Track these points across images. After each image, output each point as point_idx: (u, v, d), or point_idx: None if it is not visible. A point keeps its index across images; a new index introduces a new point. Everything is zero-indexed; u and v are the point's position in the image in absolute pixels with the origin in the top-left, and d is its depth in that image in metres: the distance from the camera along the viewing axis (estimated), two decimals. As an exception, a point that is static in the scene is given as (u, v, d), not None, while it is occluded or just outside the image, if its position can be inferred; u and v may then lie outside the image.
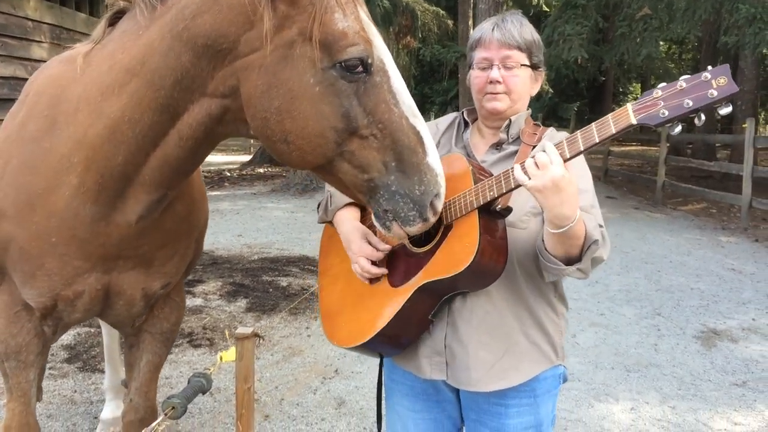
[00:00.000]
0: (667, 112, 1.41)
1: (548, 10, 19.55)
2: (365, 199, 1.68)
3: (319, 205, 2.12)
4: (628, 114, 1.44)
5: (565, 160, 1.54)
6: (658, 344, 5.26)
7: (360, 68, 1.54)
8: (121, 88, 1.67)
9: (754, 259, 8.27)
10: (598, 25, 13.83)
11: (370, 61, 1.55)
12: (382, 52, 1.60)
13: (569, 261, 1.68)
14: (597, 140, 1.49)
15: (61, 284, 1.96)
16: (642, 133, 20.33)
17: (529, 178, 1.54)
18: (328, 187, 2.06)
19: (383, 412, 2.15)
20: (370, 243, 1.90)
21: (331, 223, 2.07)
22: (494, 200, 1.68)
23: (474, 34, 2.02)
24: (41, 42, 7.48)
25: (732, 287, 6.95)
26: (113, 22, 1.78)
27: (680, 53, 27.71)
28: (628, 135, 18.20)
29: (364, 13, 1.62)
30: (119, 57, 1.69)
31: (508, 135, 1.96)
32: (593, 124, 1.51)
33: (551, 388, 1.95)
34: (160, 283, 2.14)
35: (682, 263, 7.97)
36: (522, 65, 1.92)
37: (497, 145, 1.97)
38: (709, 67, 1.43)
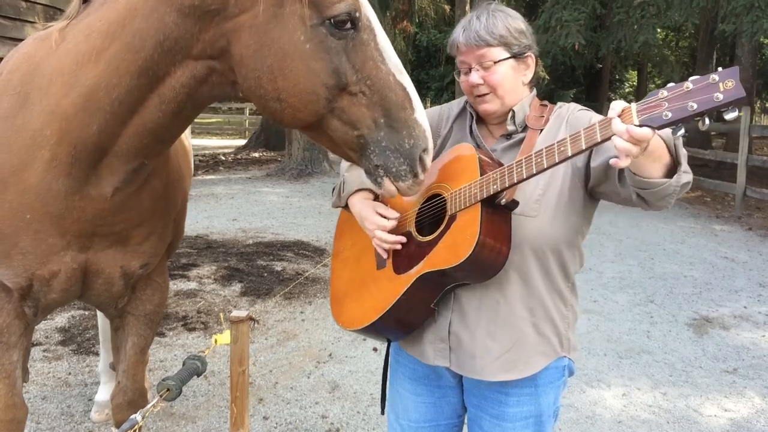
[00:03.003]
0: (670, 114, 1.35)
1: (546, -5, 19.45)
2: (356, 156, 1.69)
3: (333, 190, 2.13)
4: (632, 114, 1.40)
5: (574, 155, 1.54)
6: (650, 331, 5.29)
7: (348, 24, 1.57)
8: (98, 54, 1.66)
9: (747, 248, 8.32)
10: (596, 11, 13.75)
11: (357, 15, 1.58)
12: (368, 10, 1.63)
13: (669, 173, 1.57)
14: (599, 139, 1.47)
15: (36, 263, 1.94)
16: (638, 120, 20.28)
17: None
18: (342, 172, 2.08)
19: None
20: (380, 214, 1.91)
21: (345, 207, 2.09)
22: (498, 193, 1.68)
23: (450, 40, 1.99)
24: (35, 22, 7.41)
25: (725, 275, 6.99)
26: None
27: (677, 40, 27.62)
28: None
29: None
30: (97, 25, 1.67)
31: (515, 125, 1.93)
32: (597, 122, 1.48)
33: (554, 379, 1.93)
34: (138, 262, 2.13)
35: (675, 251, 8.00)
36: (499, 61, 1.87)
37: (507, 135, 1.96)
38: (719, 69, 1.38)
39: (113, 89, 1.67)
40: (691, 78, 1.38)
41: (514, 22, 1.91)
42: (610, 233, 8.54)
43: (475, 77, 1.88)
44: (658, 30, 16.61)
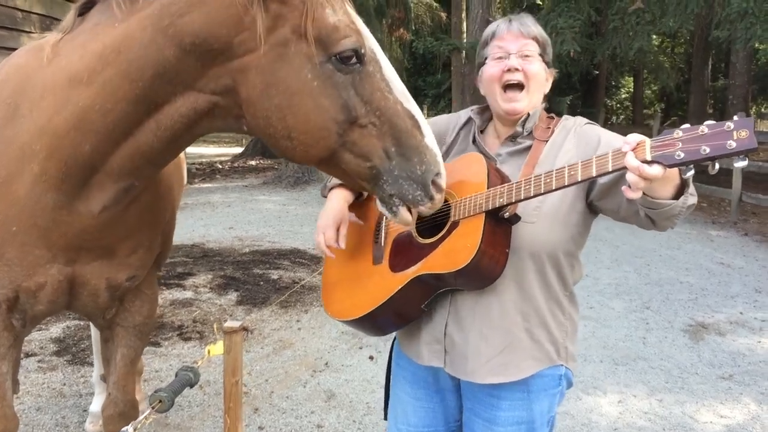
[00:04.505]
0: (683, 155, 1.38)
1: (541, 3, 19.53)
2: (369, 186, 1.71)
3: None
4: (645, 149, 1.42)
5: (583, 181, 1.57)
6: (646, 337, 5.29)
7: (354, 59, 1.59)
8: (92, 76, 1.65)
9: (743, 253, 8.33)
10: (591, 18, 13.82)
11: (363, 51, 1.60)
12: (371, 42, 1.65)
13: (677, 194, 1.60)
14: (610, 168, 1.50)
15: (22, 275, 1.94)
16: (634, 126, 20.38)
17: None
18: None
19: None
20: (338, 231, 1.97)
21: None
22: (503, 207, 1.71)
23: (487, 30, 2.03)
24: (31, 32, 7.43)
25: (720, 281, 7.00)
26: (83, 12, 1.75)
27: (673, 47, 27.73)
28: (620, 130, 18.25)
29: (350, 7, 1.66)
30: (91, 46, 1.66)
31: (523, 128, 1.96)
32: (610, 152, 1.51)
33: (548, 387, 1.92)
34: (124, 274, 2.12)
35: (671, 257, 8.01)
36: (539, 55, 1.94)
37: (512, 138, 1.98)
38: (735, 117, 1.40)
39: (108, 113, 1.66)
40: (706, 122, 1.40)
41: (546, 35, 2.00)
42: (607, 239, 8.56)
43: (515, 61, 1.91)
44: (654, 36, 16.69)
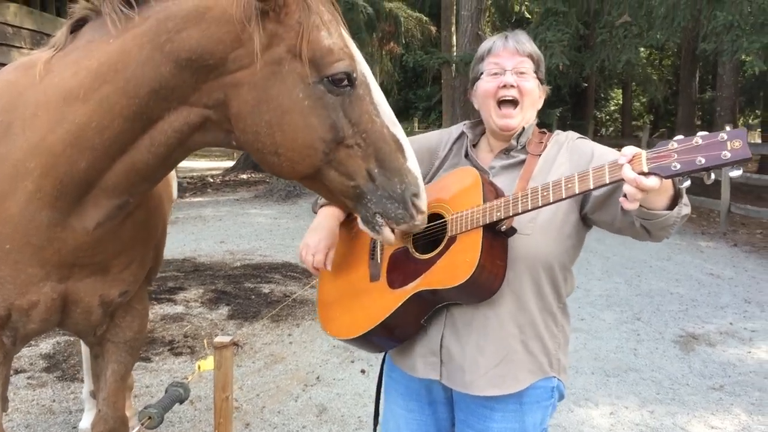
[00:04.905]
0: (679, 166, 1.41)
1: (530, 17, 19.68)
2: (352, 204, 1.75)
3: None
4: (641, 161, 1.44)
5: (580, 193, 1.59)
6: (637, 349, 5.31)
7: (345, 82, 1.64)
8: (87, 93, 1.65)
9: (733, 264, 8.38)
10: (579, 32, 13.93)
11: (354, 75, 1.65)
12: (363, 66, 1.69)
13: (671, 205, 1.61)
14: (607, 181, 1.52)
15: (15, 293, 1.92)
16: (623, 138, 20.51)
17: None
18: None
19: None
20: (326, 255, 2.01)
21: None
22: (500, 221, 1.72)
23: (483, 46, 2.06)
24: (21, 47, 7.43)
25: (710, 292, 7.04)
26: (75, 29, 1.75)
27: (661, 59, 27.96)
28: (610, 141, 18.38)
29: (344, 31, 1.70)
30: (85, 63, 1.67)
31: (518, 142, 1.99)
32: (606, 164, 1.52)
33: (540, 399, 1.93)
34: (117, 290, 2.12)
35: (662, 268, 8.05)
36: (533, 72, 1.97)
37: (506, 151, 2.01)
38: (727, 128, 1.44)
39: (105, 130, 1.67)
40: (700, 133, 1.42)
41: (540, 53, 2.03)
42: (598, 251, 8.59)
43: (511, 78, 1.94)
44: (641, 49, 16.83)
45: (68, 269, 1.96)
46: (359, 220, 1.77)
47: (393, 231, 1.76)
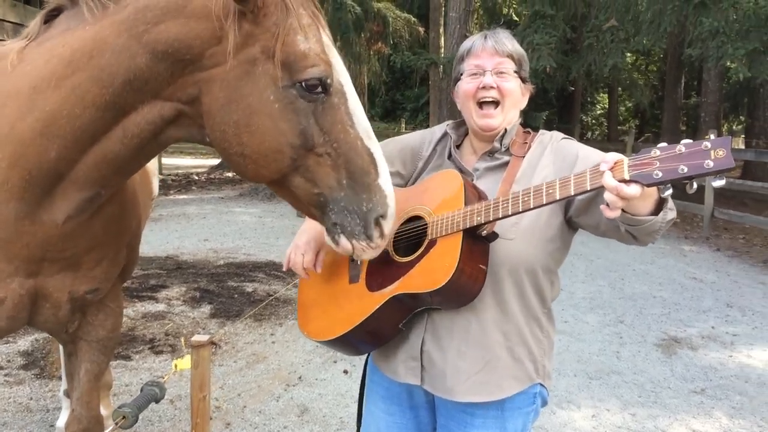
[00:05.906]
0: (660, 174, 1.38)
1: (518, 19, 19.74)
2: (317, 213, 1.71)
3: None
4: (623, 168, 1.41)
5: (561, 199, 1.56)
6: (620, 352, 5.32)
7: (319, 88, 1.60)
8: (59, 81, 1.62)
9: (715, 268, 8.43)
10: (566, 35, 14.01)
11: (329, 82, 1.61)
12: (341, 74, 1.65)
13: (656, 209, 1.58)
14: (588, 188, 1.49)
15: None
16: (609, 142, 20.62)
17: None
18: None
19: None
20: (316, 256, 1.98)
21: None
22: (481, 225, 1.69)
23: (463, 46, 2.03)
24: (3, 40, 7.33)
25: (693, 295, 7.08)
26: (49, 19, 1.73)
27: (647, 64, 28.15)
28: (596, 145, 18.41)
29: (326, 37, 1.66)
30: (59, 51, 1.64)
31: (501, 144, 1.96)
32: (588, 170, 1.49)
33: (522, 405, 1.90)
34: (87, 287, 2.07)
35: (645, 272, 8.09)
36: (514, 72, 1.94)
37: (490, 153, 1.98)
38: (712, 136, 1.40)
39: (76, 119, 1.64)
40: (683, 141, 1.39)
41: (522, 51, 2.00)
42: (582, 253, 8.62)
43: (490, 79, 1.91)
44: (628, 54, 16.95)
45: (37, 264, 1.91)
46: (324, 231, 1.73)
47: (351, 243, 1.69)
